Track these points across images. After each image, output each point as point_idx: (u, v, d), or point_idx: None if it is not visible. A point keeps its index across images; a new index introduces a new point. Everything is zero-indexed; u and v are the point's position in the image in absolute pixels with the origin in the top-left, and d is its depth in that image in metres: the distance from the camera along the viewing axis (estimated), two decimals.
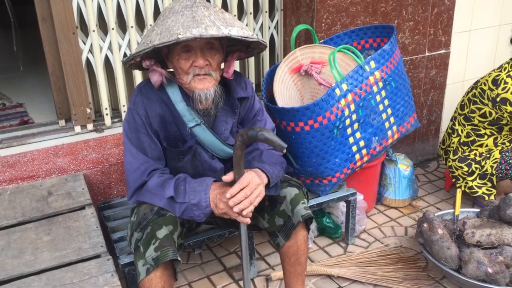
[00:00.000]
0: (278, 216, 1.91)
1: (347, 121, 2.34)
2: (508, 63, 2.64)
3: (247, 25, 2.80)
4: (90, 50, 2.47)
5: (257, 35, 2.87)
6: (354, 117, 2.35)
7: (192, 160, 1.92)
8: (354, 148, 2.42)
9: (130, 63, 1.78)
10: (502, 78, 2.58)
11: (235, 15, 2.74)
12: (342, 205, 2.67)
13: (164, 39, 1.59)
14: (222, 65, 1.87)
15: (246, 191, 1.71)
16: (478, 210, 2.53)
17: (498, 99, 2.57)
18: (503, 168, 2.67)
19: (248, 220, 1.76)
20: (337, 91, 2.28)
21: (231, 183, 1.75)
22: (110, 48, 2.50)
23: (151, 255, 1.68)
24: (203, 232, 2.23)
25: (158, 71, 1.77)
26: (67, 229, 2.04)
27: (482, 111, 2.67)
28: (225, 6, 2.73)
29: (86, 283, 1.79)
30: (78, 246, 1.95)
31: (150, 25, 2.51)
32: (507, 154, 2.67)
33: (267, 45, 1.85)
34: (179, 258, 1.69)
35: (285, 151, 1.63)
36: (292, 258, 1.95)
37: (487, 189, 2.74)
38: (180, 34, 1.56)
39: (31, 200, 2.17)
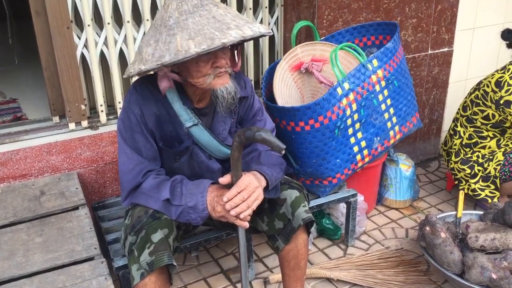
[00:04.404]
0: (278, 219, 1.86)
1: (349, 121, 2.28)
2: (511, 63, 2.58)
3: None
4: (85, 45, 2.40)
5: None
6: (355, 116, 2.30)
7: (189, 161, 1.86)
8: (355, 149, 2.37)
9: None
10: (506, 80, 2.52)
11: None
12: (342, 206, 2.62)
13: (204, 45, 1.48)
14: None
15: (244, 195, 1.65)
16: (481, 212, 2.48)
17: (501, 102, 2.51)
18: (507, 170, 2.62)
19: (247, 224, 1.70)
20: (339, 90, 2.22)
21: (229, 186, 1.69)
22: (105, 43, 2.43)
23: (146, 259, 1.62)
24: (200, 234, 2.17)
25: (171, 76, 1.68)
26: (59, 230, 1.98)
27: (485, 113, 2.62)
28: (224, 0, 2.67)
29: (79, 286, 1.74)
30: (71, 248, 1.89)
31: (147, 20, 2.45)
32: (511, 155, 2.62)
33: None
34: (174, 263, 1.64)
35: (283, 152, 1.58)
36: (291, 262, 1.90)
37: (490, 192, 2.69)
38: (223, 38, 1.49)
39: (23, 200, 2.11)
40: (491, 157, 2.68)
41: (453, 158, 2.80)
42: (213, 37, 1.50)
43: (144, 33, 2.47)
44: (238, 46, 1.79)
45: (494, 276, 2.02)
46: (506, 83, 2.51)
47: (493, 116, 2.59)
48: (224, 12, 1.58)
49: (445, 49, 3.19)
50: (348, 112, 2.26)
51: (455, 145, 2.79)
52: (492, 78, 2.59)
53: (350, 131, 2.32)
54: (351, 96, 2.25)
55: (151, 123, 1.76)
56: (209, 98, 1.83)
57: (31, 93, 3.35)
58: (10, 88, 3.53)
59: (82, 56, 2.42)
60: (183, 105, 1.76)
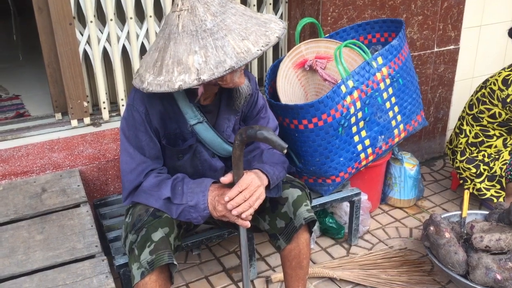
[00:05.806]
0: (280, 218, 1.84)
1: (353, 119, 2.26)
2: None
3: None
4: (88, 42, 2.39)
5: None
6: (360, 115, 2.27)
7: (192, 159, 1.84)
8: (359, 147, 2.34)
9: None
10: None
11: None
12: (346, 205, 2.59)
13: (261, 43, 1.49)
14: None
15: (245, 194, 1.64)
16: (486, 212, 2.45)
17: (508, 100, 2.48)
18: None
19: (248, 224, 1.69)
20: (343, 87, 2.20)
21: (231, 185, 1.67)
22: (108, 39, 2.42)
23: (146, 258, 1.61)
24: (202, 232, 2.16)
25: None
26: (60, 227, 1.97)
27: (492, 111, 2.58)
28: None
29: (80, 284, 1.72)
30: (72, 246, 1.88)
31: (150, 16, 2.43)
32: None
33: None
34: (175, 262, 1.62)
35: (285, 151, 1.56)
36: (293, 261, 1.88)
37: (495, 191, 2.66)
38: (274, 33, 1.53)
39: (24, 197, 2.10)
40: (497, 157, 2.65)
41: (458, 157, 2.77)
42: (264, 33, 1.51)
43: (147, 30, 2.46)
44: None
45: (498, 277, 1.99)
46: None
47: (500, 114, 2.56)
48: (244, 8, 1.58)
49: (451, 47, 3.15)
50: (352, 110, 2.23)
51: (461, 143, 2.76)
52: (499, 76, 2.56)
53: (354, 129, 2.29)
54: (355, 94, 2.23)
55: (156, 121, 1.74)
56: (214, 96, 1.81)
57: (34, 90, 3.35)
58: (13, 85, 3.53)
59: (85, 52, 2.41)
60: (188, 102, 1.74)
